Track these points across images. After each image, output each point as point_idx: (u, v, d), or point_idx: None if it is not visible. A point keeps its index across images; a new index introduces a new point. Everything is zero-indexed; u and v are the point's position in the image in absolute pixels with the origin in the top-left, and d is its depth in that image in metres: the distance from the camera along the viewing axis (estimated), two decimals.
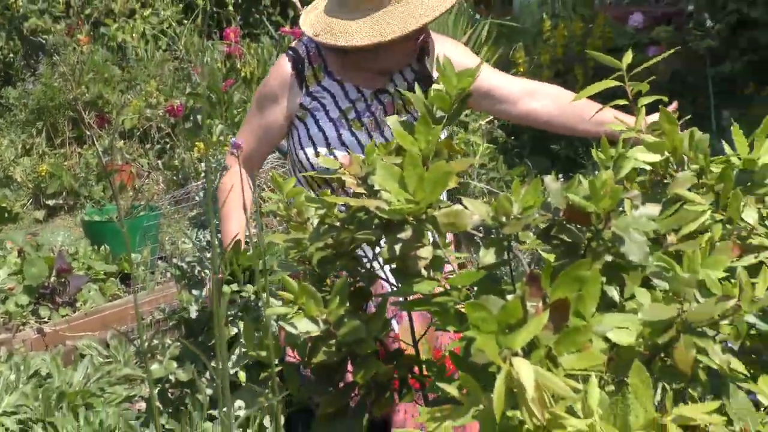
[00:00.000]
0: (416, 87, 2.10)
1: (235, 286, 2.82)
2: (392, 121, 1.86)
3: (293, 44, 3.29)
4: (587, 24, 9.27)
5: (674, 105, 2.66)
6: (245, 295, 2.83)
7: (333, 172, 2.91)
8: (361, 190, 1.78)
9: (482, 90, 3.16)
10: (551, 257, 1.67)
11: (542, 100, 3.18)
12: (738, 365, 1.57)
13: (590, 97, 2.18)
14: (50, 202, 8.58)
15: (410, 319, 2.02)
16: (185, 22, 10.49)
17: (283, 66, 3.16)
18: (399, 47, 2.97)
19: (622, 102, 2.03)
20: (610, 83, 2.00)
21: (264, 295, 1.81)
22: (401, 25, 2.86)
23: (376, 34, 2.85)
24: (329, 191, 2.80)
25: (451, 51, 3.08)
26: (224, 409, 1.60)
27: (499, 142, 8.31)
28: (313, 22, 3.01)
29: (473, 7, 11.05)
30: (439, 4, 2.92)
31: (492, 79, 3.24)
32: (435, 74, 3.06)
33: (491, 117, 8.22)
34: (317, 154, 3.03)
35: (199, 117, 7.34)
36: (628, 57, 1.99)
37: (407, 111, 3.08)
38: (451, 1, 2.95)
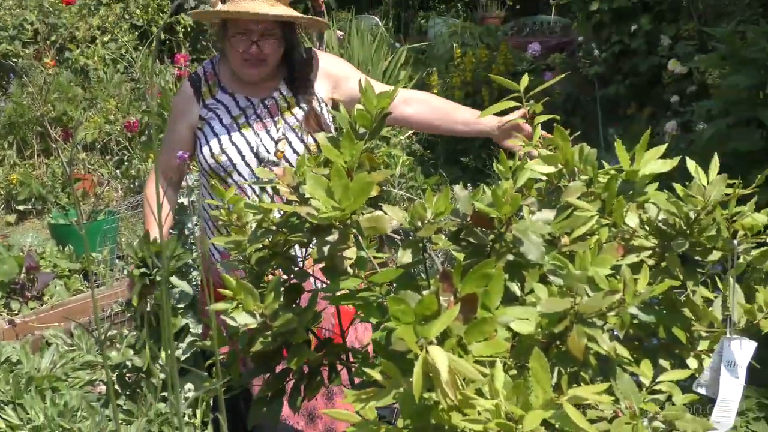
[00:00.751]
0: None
1: (144, 270, 2.80)
2: (320, 137, 1.84)
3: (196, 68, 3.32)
4: (492, 52, 9.32)
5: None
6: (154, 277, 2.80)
7: (228, 171, 3.02)
8: (293, 197, 1.76)
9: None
10: (461, 257, 1.67)
11: (415, 105, 3.18)
12: (623, 351, 1.57)
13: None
14: (20, 208, 8.49)
15: (338, 313, 2.00)
16: (140, 48, 10.38)
17: (185, 86, 3.25)
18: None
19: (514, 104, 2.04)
20: (510, 103, 2.00)
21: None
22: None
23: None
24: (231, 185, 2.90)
25: (332, 60, 3.28)
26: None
27: (417, 154, 8.34)
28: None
29: (393, 36, 11.07)
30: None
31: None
32: (318, 86, 3.17)
33: (410, 132, 8.25)
34: (212, 155, 3.05)
35: (152, 131, 7.28)
36: (525, 81, 2.00)
37: (290, 113, 3.11)
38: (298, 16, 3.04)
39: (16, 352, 5.13)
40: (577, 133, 2.01)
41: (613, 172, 1.84)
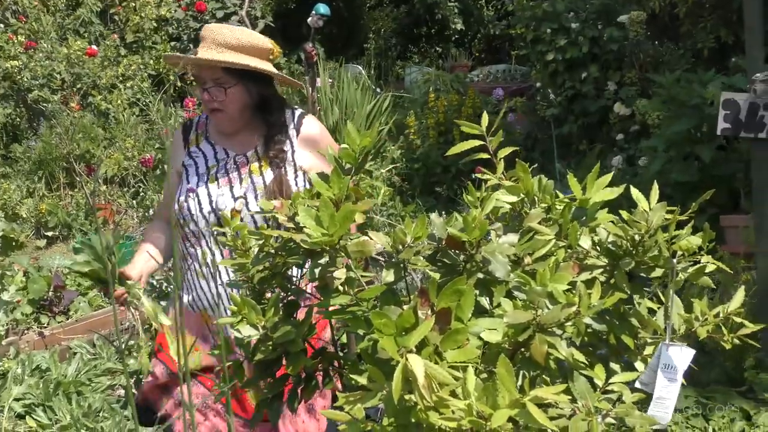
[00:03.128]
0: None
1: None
2: (313, 175, 1.84)
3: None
4: (461, 96, 9.37)
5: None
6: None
7: (186, 220, 2.75)
8: (290, 225, 1.76)
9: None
10: (437, 276, 1.67)
11: None
12: (579, 356, 1.58)
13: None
14: (49, 234, 8.48)
15: (331, 326, 1.99)
16: (155, 93, 10.39)
17: (177, 132, 3.03)
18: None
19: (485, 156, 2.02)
20: (475, 142, 1.98)
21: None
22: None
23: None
24: (198, 233, 2.73)
25: (317, 128, 2.93)
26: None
27: (396, 185, 8.36)
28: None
29: (375, 83, 11.11)
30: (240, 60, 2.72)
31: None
32: (300, 154, 2.85)
33: (390, 166, 8.26)
34: (178, 202, 2.82)
35: (165, 167, 7.31)
36: (485, 120, 1.96)
37: (260, 173, 2.81)
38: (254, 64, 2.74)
39: (46, 360, 5.12)
40: (535, 166, 2.02)
41: (567, 200, 1.85)
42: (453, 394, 1.42)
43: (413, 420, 1.42)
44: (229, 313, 2.57)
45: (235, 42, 2.73)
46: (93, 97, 10.08)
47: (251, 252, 1.85)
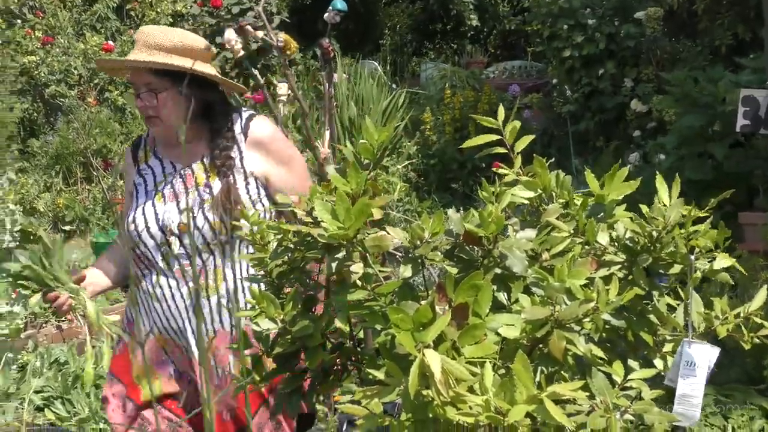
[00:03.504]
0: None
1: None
2: (331, 170, 1.83)
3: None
4: (477, 92, 9.37)
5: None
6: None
7: (135, 241, 2.56)
8: (308, 220, 1.76)
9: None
10: (454, 271, 1.67)
11: None
12: (598, 352, 1.57)
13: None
14: (66, 228, 8.52)
15: (350, 324, 1.99)
16: None
17: (127, 151, 2.81)
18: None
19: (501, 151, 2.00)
20: (492, 136, 1.97)
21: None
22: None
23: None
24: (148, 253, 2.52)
25: (265, 128, 2.66)
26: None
27: (412, 181, 8.36)
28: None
29: (390, 79, 11.11)
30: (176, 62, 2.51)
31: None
32: (249, 158, 2.61)
33: (406, 162, 8.26)
34: (127, 224, 2.63)
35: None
36: (501, 113, 1.92)
37: (206, 184, 2.59)
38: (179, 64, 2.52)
39: (64, 353, 5.15)
40: (552, 160, 2.01)
41: (584, 196, 1.84)
42: (470, 389, 1.43)
43: (430, 415, 1.43)
44: (192, 332, 2.53)
45: (167, 44, 2.53)
46: (110, 93, 10.13)
47: (269, 246, 1.85)
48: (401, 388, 1.46)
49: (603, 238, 1.76)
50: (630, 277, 1.72)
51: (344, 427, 3.26)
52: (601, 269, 1.69)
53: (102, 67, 3.10)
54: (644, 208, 1.75)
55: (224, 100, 2.69)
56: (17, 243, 2.65)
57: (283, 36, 3.29)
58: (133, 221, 2.60)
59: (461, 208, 1.78)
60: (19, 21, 10.55)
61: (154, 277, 2.61)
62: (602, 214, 1.82)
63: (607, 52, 8.17)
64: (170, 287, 2.59)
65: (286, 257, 1.83)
